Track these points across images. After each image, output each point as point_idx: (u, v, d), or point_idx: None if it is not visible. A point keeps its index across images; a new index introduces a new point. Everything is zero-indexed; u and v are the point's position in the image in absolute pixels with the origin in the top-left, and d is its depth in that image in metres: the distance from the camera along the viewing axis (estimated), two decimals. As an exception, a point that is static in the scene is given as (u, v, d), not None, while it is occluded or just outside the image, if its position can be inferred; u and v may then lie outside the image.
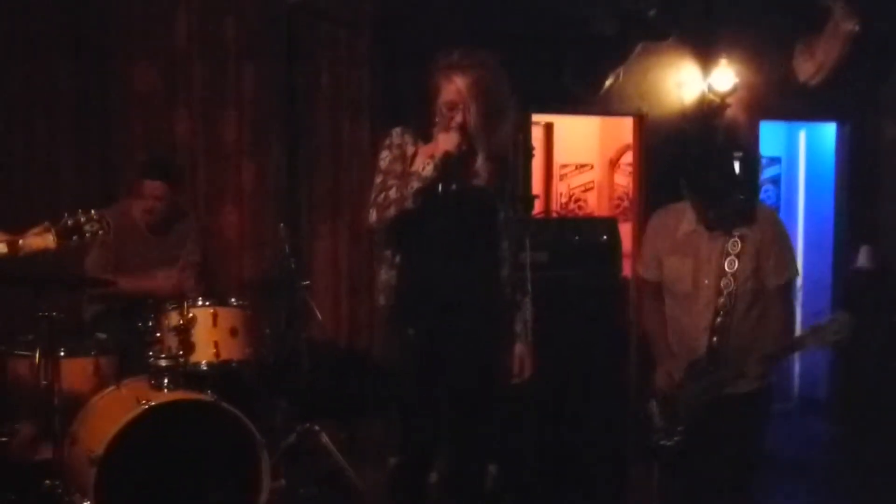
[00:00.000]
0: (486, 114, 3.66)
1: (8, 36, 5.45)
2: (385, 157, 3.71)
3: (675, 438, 3.92)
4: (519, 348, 3.85)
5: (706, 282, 3.87)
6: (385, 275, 3.80)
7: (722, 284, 3.82)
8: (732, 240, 3.82)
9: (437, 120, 3.72)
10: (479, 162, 3.72)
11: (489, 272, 3.81)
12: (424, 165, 3.60)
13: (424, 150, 3.69)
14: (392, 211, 3.61)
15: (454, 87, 3.65)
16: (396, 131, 3.77)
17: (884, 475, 5.50)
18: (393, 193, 3.61)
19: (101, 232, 3.95)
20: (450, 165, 3.62)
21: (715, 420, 3.85)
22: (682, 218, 3.94)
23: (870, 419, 6.07)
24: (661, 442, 3.96)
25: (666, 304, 4.04)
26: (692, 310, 3.92)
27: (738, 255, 3.82)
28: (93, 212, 3.95)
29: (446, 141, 3.62)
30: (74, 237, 3.89)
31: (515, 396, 4.18)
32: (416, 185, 3.58)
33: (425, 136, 3.72)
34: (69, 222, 3.88)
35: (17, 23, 5.48)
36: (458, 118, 3.64)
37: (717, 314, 3.84)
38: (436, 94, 3.69)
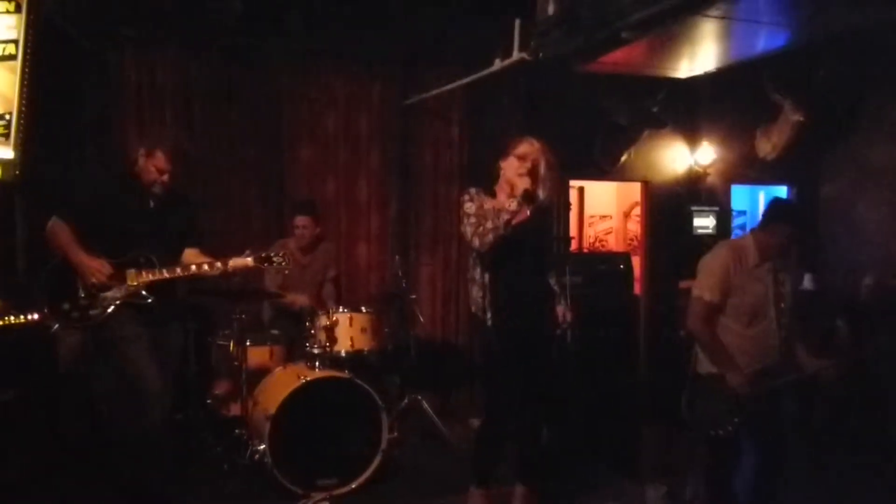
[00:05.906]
0: (548, 168, 3.61)
1: (215, 134, 5.55)
2: (470, 207, 3.57)
3: (730, 428, 3.39)
4: (561, 307, 3.72)
5: (772, 303, 3.47)
6: (476, 292, 3.63)
7: (782, 307, 3.48)
8: (778, 272, 3.50)
9: (499, 176, 3.64)
10: (538, 200, 3.60)
11: (544, 277, 3.72)
12: (510, 203, 3.49)
13: (491, 201, 3.60)
14: (490, 237, 3.47)
15: (530, 144, 3.61)
16: (472, 190, 3.65)
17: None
18: (489, 225, 3.49)
19: (283, 263, 3.93)
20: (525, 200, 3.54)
21: (772, 407, 3.51)
22: (747, 255, 3.50)
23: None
24: (717, 431, 3.43)
25: (733, 323, 3.49)
26: (767, 328, 3.47)
27: (784, 284, 3.50)
28: (283, 253, 3.97)
29: (523, 181, 3.53)
30: (265, 264, 3.87)
31: (562, 369, 3.93)
32: (505, 216, 3.47)
33: (489, 193, 3.66)
34: (263, 255, 3.88)
35: (224, 126, 5.58)
36: (528, 165, 3.55)
37: (781, 330, 3.47)
38: (508, 153, 3.61)
